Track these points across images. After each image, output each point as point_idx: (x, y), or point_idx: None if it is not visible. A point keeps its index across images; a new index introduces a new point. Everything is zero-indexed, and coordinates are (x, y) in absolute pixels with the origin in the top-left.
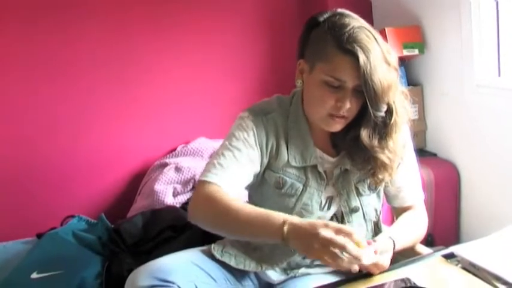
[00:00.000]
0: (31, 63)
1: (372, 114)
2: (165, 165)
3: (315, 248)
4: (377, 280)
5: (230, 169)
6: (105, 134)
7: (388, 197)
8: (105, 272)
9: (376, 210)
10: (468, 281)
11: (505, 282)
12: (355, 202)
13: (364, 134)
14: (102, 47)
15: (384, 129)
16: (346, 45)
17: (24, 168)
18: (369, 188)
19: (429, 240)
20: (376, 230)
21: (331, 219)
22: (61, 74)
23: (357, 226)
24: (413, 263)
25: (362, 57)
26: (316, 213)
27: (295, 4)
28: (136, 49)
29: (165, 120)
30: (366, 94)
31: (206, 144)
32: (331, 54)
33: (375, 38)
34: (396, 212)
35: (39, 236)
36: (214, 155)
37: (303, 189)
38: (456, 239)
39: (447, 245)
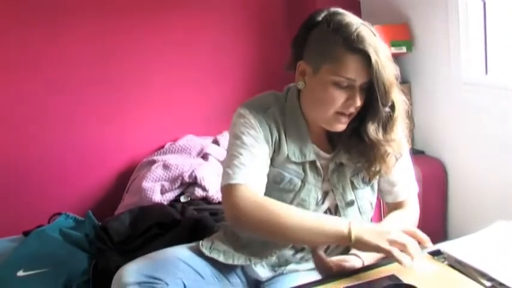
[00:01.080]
0: (19, 61)
1: (380, 109)
2: (153, 162)
3: (385, 243)
4: (363, 277)
5: (254, 166)
6: (93, 132)
7: (382, 192)
8: (92, 269)
9: (371, 204)
10: (454, 278)
11: (490, 279)
12: (350, 196)
13: (372, 128)
14: (90, 46)
15: (388, 123)
16: (357, 45)
17: (11, 166)
18: (363, 181)
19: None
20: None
21: (325, 213)
22: (49, 73)
23: (353, 220)
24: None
25: (373, 56)
26: (312, 209)
27: (283, 3)
28: (125, 48)
29: (153, 117)
30: (378, 90)
31: (194, 142)
32: (339, 54)
33: (376, 35)
34: (389, 207)
35: (25, 233)
36: (230, 157)
37: (301, 185)
38: (443, 236)
39: (434, 242)
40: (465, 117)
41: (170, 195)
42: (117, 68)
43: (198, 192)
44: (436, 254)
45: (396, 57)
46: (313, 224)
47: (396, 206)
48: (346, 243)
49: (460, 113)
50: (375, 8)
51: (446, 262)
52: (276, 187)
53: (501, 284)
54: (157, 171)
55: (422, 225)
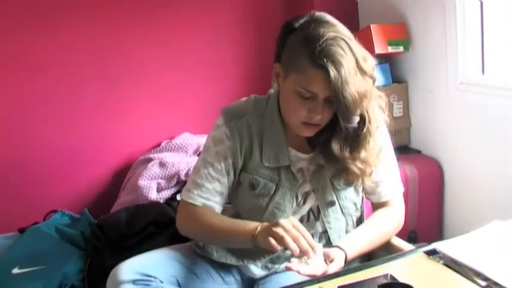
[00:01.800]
0: (18, 59)
1: (343, 127)
2: (149, 160)
3: (274, 233)
4: (358, 276)
5: (207, 187)
6: (89, 129)
7: (366, 192)
8: (88, 267)
9: (355, 204)
10: (450, 277)
11: (485, 278)
12: (331, 196)
13: (335, 146)
14: (86, 43)
15: (355, 139)
16: (317, 60)
17: (7, 164)
18: (345, 183)
19: (412, 237)
20: (359, 225)
21: (308, 214)
22: (44, 70)
23: (334, 220)
24: (395, 259)
25: (333, 73)
26: (289, 212)
27: (281, 2)
28: (122, 46)
29: (150, 115)
30: (337, 108)
31: (190, 140)
32: (303, 66)
33: (350, 48)
34: (373, 207)
35: (21, 231)
36: (194, 169)
37: (275, 189)
38: (439, 236)
39: (430, 242)
40: (462, 117)
41: (166, 193)
42: (113, 66)
43: None
44: (431, 253)
45: (393, 57)
46: (228, 232)
47: (380, 206)
48: (252, 243)
49: (456, 113)
50: (372, 8)
51: (441, 261)
52: (252, 193)
53: (496, 284)
54: (153, 169)
55: (419, 225)
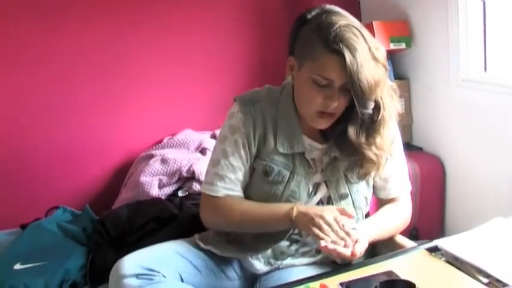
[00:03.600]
0: (13, 55)
1: (359, 112)
2: (151, 156)
3: (318, 225)
4: (360, 273)
5: (229, 177)
6: (90, 126)
7: (375, 188)
8: (89, 263)
9: (366, 199)
10: (451, 274)
11: (487, 275)
12: (344, 189)
13: (352, 131)
14: (88, 38)
15: (371, 125)
16: (332, 45)
17: (8, 160)
18: (358, 176)
19: (414, 234)
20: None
21: (317, 204)
22: (45, 65)
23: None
24: (397, 256)
25: (348, 57)
26: (303, 200)
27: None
28: (124, 41)
29: (152, 112)
30: (353, 93)
31: (192, 136)
32: (318, 53)
33: (362, 35)
34: (381, 203)
35: (23, 227)
36: (213, 161)
37: (290, 176)
38: (441, 233)
39: (432, 239)
40: (464, 114)
41: (168, 190)
42: (115, 62)
43: (196, 187)
44: (433, 250)
45: (395, 54)
46: (264, 213)
47: (388, 202)
48: (291, 225)
49: (458, 110)
50: (374, 5)
51: (443, 258)
52: (266, 179)
53: (498, 281)
54: (155, 165)
55: (420, 222)
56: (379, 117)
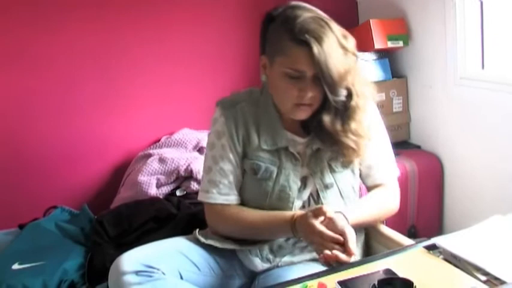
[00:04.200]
0: (12, 55)
1: (331, 100)
2: (149, 156)
3: (315, 243)
4: (358, 271)
5: (223, 183)
6: (88, 125)
7: (362, 177)
8: (88, 263)
9: (353, 187)
10: (450, 272)
11: (485, 273)
12: (329, 179)
13: (326, 119)
14: (86, 37)
15: (345, 112)
16: (299, 36)
17: (6, 159)
18: (342, 165)
19: (412, 232)
20: None
21: (308, 198)
22: (43, 66)
23: (333, 203)
24: (395, 254)
25: (316, 47)
26: (295, 194)
27: None
28: (122, 40)
29: (149, 111)
30: (323, 81)
31: (190, 135)
32: (286, 47)
33: (329, 26)
34: (368, 191)
35: (21, 226)
36: (205, 169)
37: (277, 171)
38: (439, 231)
39: (430, 237)
40: (461, 112)
41: (166, 189)
42: (113, 62)
43: (194, 186)
44: (431, 248)
45: (393, 52)
46: (266, 224)
47: (375, 188)
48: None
49: (456, 108)
50: (372, 3)
51: (441, 256)
52: (254, 178)
53: (496, 278)
54: (153, 164)
55: (418, 220)
56: (352, 103)
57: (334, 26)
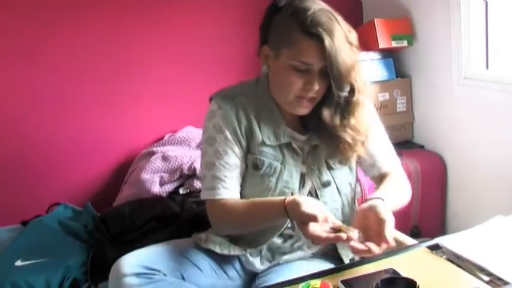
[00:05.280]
0: (13, 51)
1: (335, 94)
2: (152, 154)
3: (307, 231)
4: (361, 271)
5: (229, 176)
6: (92, 122)
7: (365, 168)
8: (90, 260)
9: (350, 184)
10: (452, 272)
11: (488, 273)
12: (326, 176)
13: (326, 113)
14: (88, 36)
15: (346, 108)
16: (310, 29)
17: (9, 156)
18: (340, 161)
19: (415, 232)
20: (353, 206)
21: (307, 196)
22: (46, 62)
23: (331, 201)
24: (398, 253)
25: (327, 40)
26: (297, 190)
27: None
28: (125, 37)
29: (153, 108)
30: (331, 75)
31: (193, 133)
32: (296, 39)
33: (336, 19)
34: (376, 181)
35: (24, 223)
36: (207, 165)
37: (281, 167)
38: (442, 231)
39: (433, 237)
40: (465, 112)
41: (169, 187)
42: (117, 59)
43: (197, 184)
44: (434, 248)
45: (397, 51)
46: (260, 213)
47: (384, 176)
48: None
49: (460, 108)
50: (376, 2)
51: (444, 256)
52: (257, 173)
53: (499, 279)
54: (156, 162)
55: (421, 220)
56: (354, 99)
57: (340, 19)
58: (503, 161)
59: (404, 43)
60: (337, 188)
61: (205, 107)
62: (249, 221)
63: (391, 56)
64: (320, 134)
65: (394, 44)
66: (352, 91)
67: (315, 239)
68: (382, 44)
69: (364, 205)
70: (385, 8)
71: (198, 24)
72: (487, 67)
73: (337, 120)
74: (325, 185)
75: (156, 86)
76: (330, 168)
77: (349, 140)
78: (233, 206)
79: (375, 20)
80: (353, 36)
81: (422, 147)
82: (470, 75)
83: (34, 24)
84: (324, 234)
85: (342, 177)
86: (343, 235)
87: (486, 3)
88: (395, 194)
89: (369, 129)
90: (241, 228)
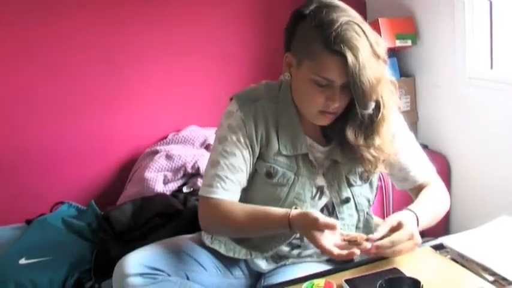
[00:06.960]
0: (14, 50)
1: (359, 113)
2: (156, 152)
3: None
4: (365, 270)
5: (230, 178)
6: (95, 121)
7: (398, 182)
8: (94, 259)
9: (369, 201)
10: (457, 272)
11: (493, 273)
12: (346, 193)
13: (350, 132)
14: (90, 34)
15: (370, 126)
16: (334, 46)
17: (14, 155)
18: (361, 178)
19: (419, 232)
20: (369, 219)
21: (322, 210)
22: (50, 62)
23: (348, 217)
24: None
25: (351, 58)
26: (308, 202)
27: None
28: (128, 35)
29: (157, 107)
30: (354, 94)
31: (197, 132)
32: (318, 53)
33: (364, 32)
34: (412, 193)
35: (28, 222)
36: (212, 163)
37: (294, 178)
38: (446, 231)
39: (437, 236)
40: (469, 112)
41: (173, 186)
42: (120, 57)
43: (201, 183)
44: (438, 248)
45: (401, 51)
46: (260, 221)
47: (420, 188)
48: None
49: (464, 108)
50: (380, 1)
51: (449, 256)
52: (269, 182)
53: (504, 279)
54: (160, 161)
55: None
56: (379, 117)
57: (369, 31)
58: (508, 161)
59: (409, 43)
60: (356, 205)
61: (209, 107)
62: (244, 227)
63: (395, 56)
64: (343, 149)
65: (398, 44)
66: (377, 107)
67: (326, 253)
68: (386, 43)
69: (392, 217)
70: (389, 7)
71: (203, 22)
72: (492, 67)
73: (361, 140)
74: (345, 201)
75: (160, 85)
76: (350, 185)
77: (370, 158)
78: (227, 209)
79: (379, 20)
80: (381, 48)
81: (426, 146)
82: (474, 75)
83: (35, 24)
84: (335, 250)
85: (361, 194)
86: (357, 251)
87: (490, 2)
88: (431, 207)
89: (392, 149)
90: (233, 232)
